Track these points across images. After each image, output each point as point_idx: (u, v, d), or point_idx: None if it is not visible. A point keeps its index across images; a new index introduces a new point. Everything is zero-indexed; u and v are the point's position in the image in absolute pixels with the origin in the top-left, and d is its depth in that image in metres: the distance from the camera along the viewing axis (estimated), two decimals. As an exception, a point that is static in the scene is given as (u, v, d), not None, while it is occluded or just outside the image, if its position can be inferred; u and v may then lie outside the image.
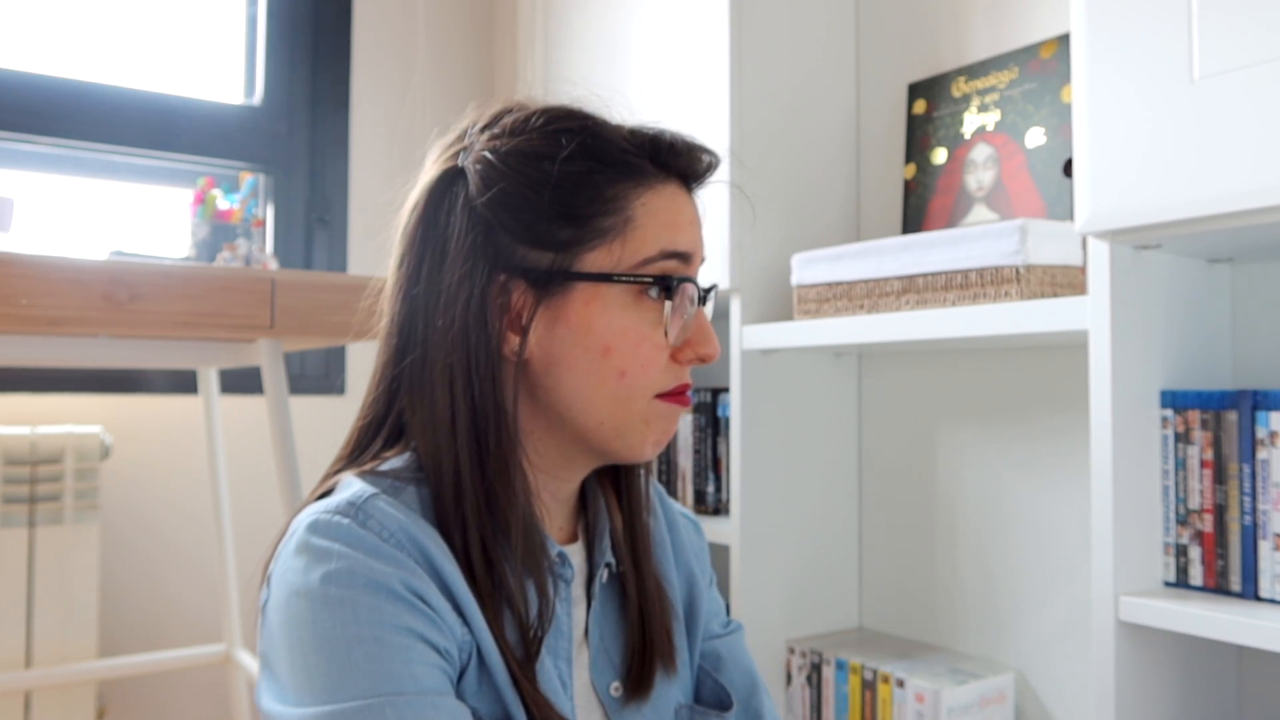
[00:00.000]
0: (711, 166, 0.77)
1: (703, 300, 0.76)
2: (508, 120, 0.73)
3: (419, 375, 0.70)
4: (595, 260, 0.70)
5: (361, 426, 0.75)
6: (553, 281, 0.70)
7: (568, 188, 0.70)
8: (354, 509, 0.65)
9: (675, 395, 0.74)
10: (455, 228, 0.70)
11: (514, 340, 0.71)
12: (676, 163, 0.74)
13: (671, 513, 0.88)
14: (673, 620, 0.81)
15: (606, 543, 0.78)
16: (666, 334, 0.72)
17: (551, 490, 0.76)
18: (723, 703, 0.82)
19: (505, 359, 0.71)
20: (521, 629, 0.69)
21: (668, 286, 0.71)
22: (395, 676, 0.60)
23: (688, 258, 0.73)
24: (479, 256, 0.69)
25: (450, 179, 0.72)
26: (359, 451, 0.75)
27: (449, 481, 0.68)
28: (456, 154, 0.74)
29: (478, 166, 0.71)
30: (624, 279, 0.70)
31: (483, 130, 0.74)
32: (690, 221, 0.74)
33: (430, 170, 0.75)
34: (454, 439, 0.68)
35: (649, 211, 0.71)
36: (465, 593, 0.66)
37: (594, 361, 0.70)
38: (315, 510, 0.67)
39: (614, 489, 0.81)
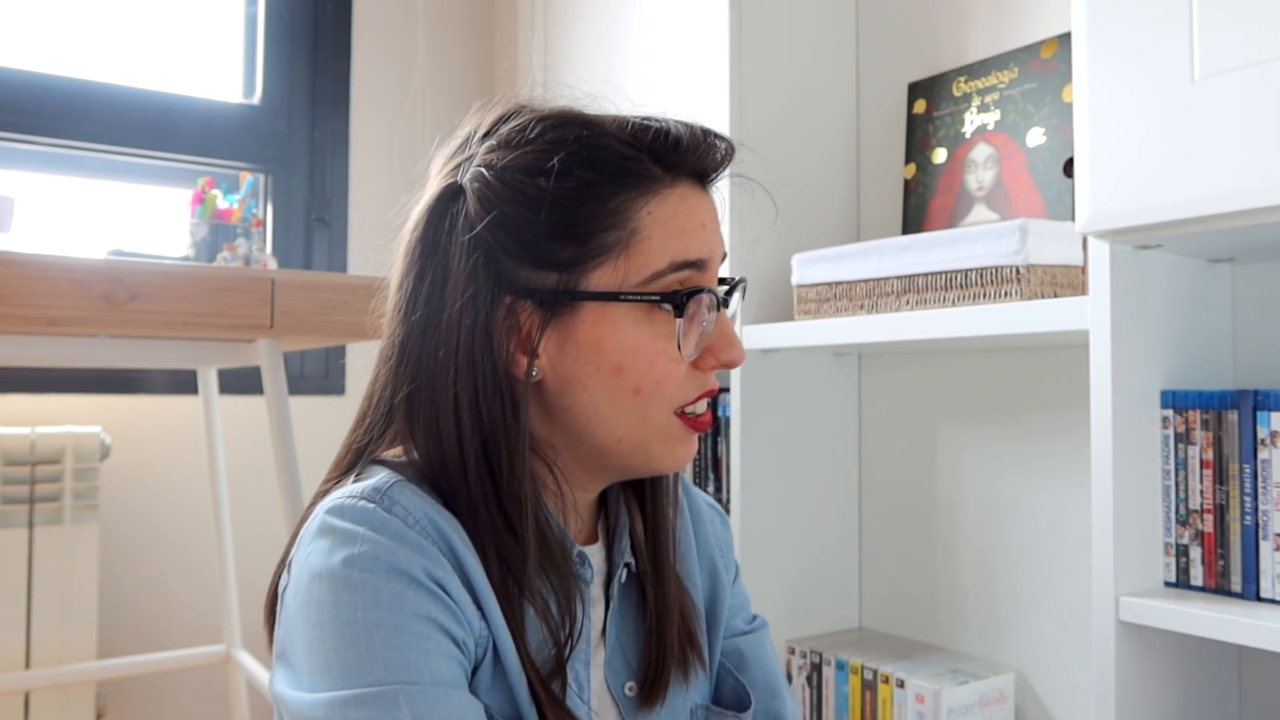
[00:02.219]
0: (726, 157, 0.73)
1: (724, 303, 0.72)
2: (504, 130, 0.70)
3: (422, 403, 0.68)
4: (601, 278, 0.67)
5: (356, 446, 0.73)
6: (559, 302, 0.67)
7: (566, 204, 0.67)
8: (378, 494, 0.64)
9: (696, 419, 0.72)
10: (455, 251, 0.68)
11: (524, 361, 0.68)
12: (685, 161, 0.70)
13: (696, 503, 0.86)
14: (696, 622, 0.79)
15: (626, 543, 0.77)
16: (680, 349, 0.69)
17: (575, 497, 0.75)
18: (742, 703, 0.80)
19: (516, 379, 0.68)
20: (553, 636, 0.68)
21: (678, 304, 0.68)
22: (412, 665, 0.60)
23: (702, 264, 0.69)
24: (481, 281, 0.67)
25: (449, 198, 0.70)
26: (349, 470, 0.72)
27: (464, 509, 0.67)
28: (457, 167, 0.71)
29: (475, 185, 0.68)
30: (630, 297, 0.67)
31: (484, 139, 0.71)
32: (702, 224, 0.70)
33: (433, 185, 0.72)
34: (464, 468, 0.67)
35: (656, 220, 0.68)
36: (485, 586, 0.65)
37: (607, 380, 0.68)
38: (338, 495, 0.65)
39: (635, 490, 0.79)
